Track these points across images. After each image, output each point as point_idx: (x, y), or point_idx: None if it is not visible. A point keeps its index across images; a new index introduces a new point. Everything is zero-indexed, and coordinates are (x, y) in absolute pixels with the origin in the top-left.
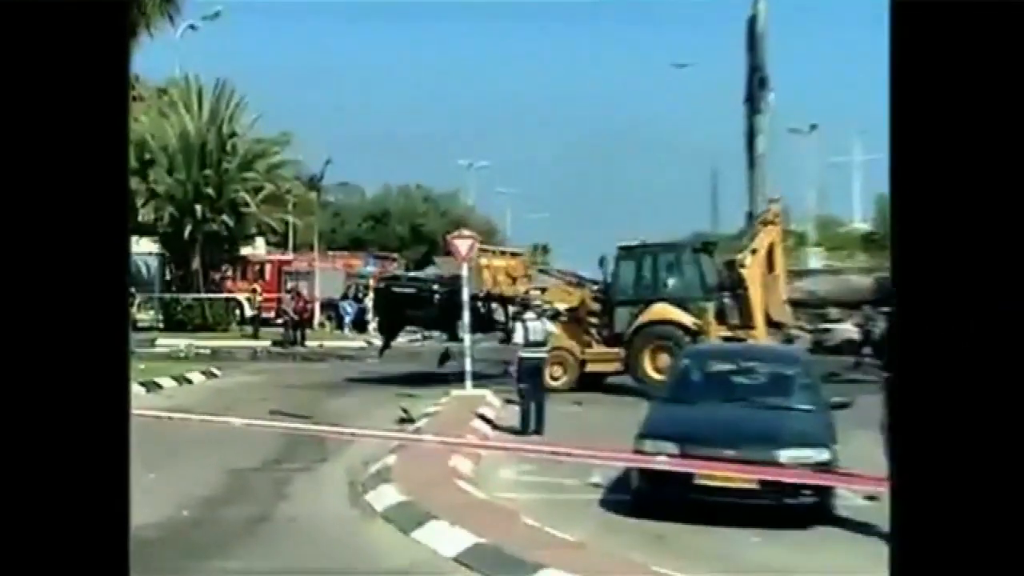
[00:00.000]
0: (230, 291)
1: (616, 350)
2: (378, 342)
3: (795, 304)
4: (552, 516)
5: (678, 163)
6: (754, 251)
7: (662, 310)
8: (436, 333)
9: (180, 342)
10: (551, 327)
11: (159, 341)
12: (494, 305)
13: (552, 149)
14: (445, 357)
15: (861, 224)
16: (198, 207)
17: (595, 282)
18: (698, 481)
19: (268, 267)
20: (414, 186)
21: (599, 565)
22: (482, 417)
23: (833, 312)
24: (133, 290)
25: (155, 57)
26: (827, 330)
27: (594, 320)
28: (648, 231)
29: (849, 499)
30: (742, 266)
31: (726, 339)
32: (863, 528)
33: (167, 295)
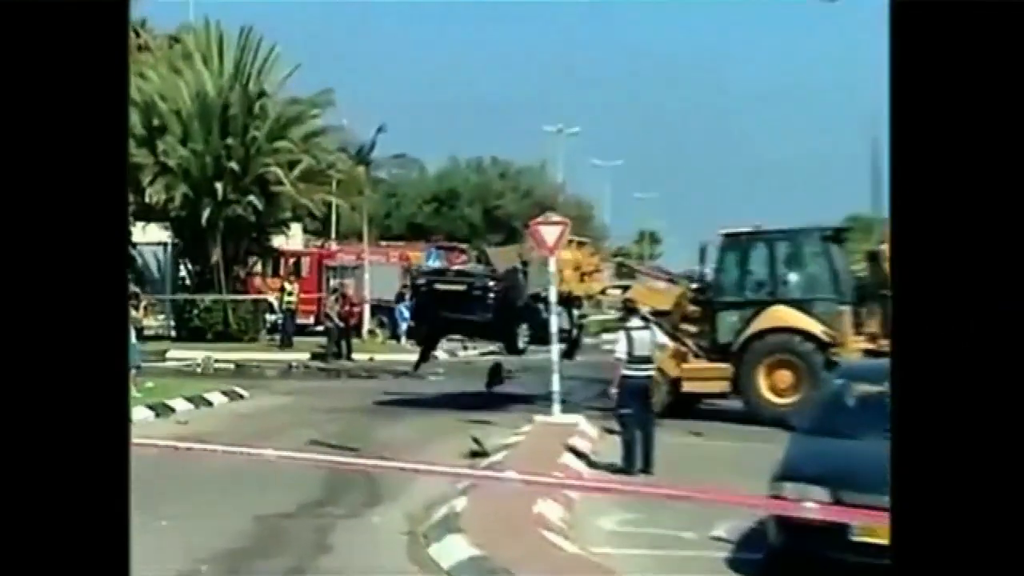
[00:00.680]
0: (259, 291)
1: (720, 365)
2: (443, 355)
3: None
4: None
5: (827, 131)
6: None
7: (781, 315)
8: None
9: (197, 354)
10: (662, 338)
11: (170, 353)
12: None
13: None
14: (496, 374)
15: None
16: (219, 185)
17: (692, 279)
18: (855, 536)
19: (306, 261)
20: (488, 159)
21: None
22: (574, 451)
23: None
24: (137, 290)
25: None
26: None
27: (692, 327)
28: (787, 216)
29: None
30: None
31: (867, 353)
32: None
33: (180, 296)
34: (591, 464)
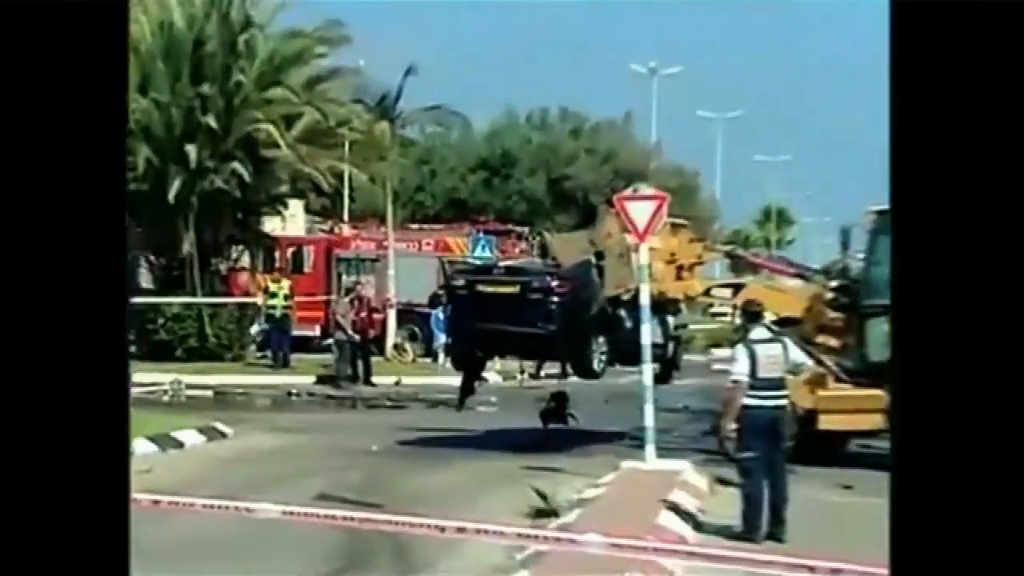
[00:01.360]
0: (246, 292)
1: (871, 392)
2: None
3: None
4: None
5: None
6: None
7: None
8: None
9: (162, 378)
10: (799, 354)
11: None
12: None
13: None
14: (559, 408)
15: None
16: (191, 149)
17: (832, 274)
18: None
19: (310, 251)
20: (555, 112)
21: None
22: (676, 508)
23: None
24: None
25: None
26: None
27: (831, 340)
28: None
29: None
30: None
31: None
32: None
33: (140, 300)
34: (698, 526)
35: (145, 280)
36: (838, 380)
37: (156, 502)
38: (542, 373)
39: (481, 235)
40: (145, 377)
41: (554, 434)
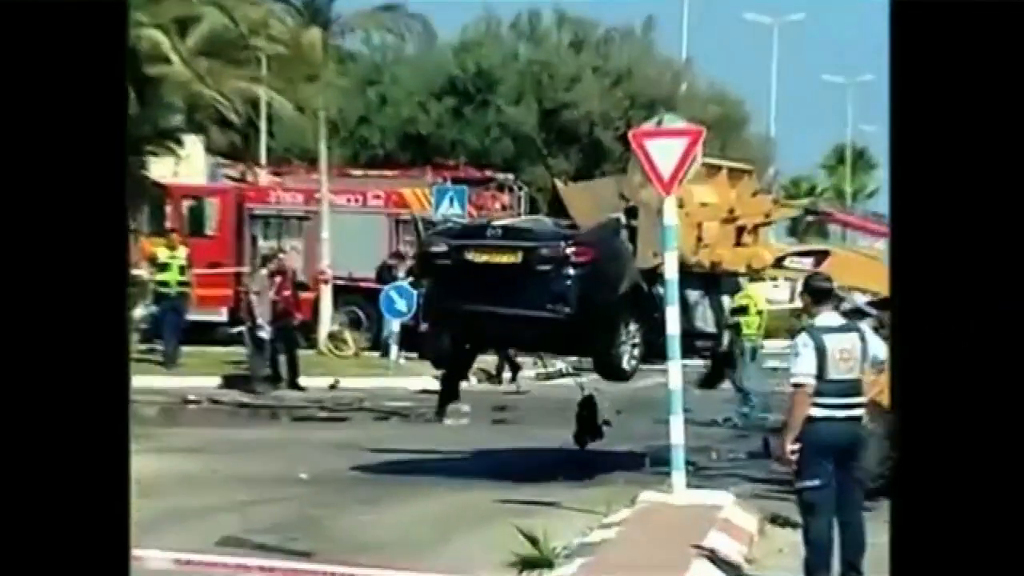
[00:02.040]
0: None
1: None
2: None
3: None
4: None
5: None
6: None
7: None
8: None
9: None
10: (881, 348)
11: None
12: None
13: None
14: (591, 419)
15: None
16: None
17: None
18: None
19: (213, 206)
20: (549, 16)
21: None
22: (713, 557)
23: None
24: None
25: None
26: None
27: None
28: None
29: None
30: None
31: None
32: None
33: None
34: None
35: None
36: None
37: None
38: (512, 375)
39: (448, 185)
40: None
41: (556, 457)
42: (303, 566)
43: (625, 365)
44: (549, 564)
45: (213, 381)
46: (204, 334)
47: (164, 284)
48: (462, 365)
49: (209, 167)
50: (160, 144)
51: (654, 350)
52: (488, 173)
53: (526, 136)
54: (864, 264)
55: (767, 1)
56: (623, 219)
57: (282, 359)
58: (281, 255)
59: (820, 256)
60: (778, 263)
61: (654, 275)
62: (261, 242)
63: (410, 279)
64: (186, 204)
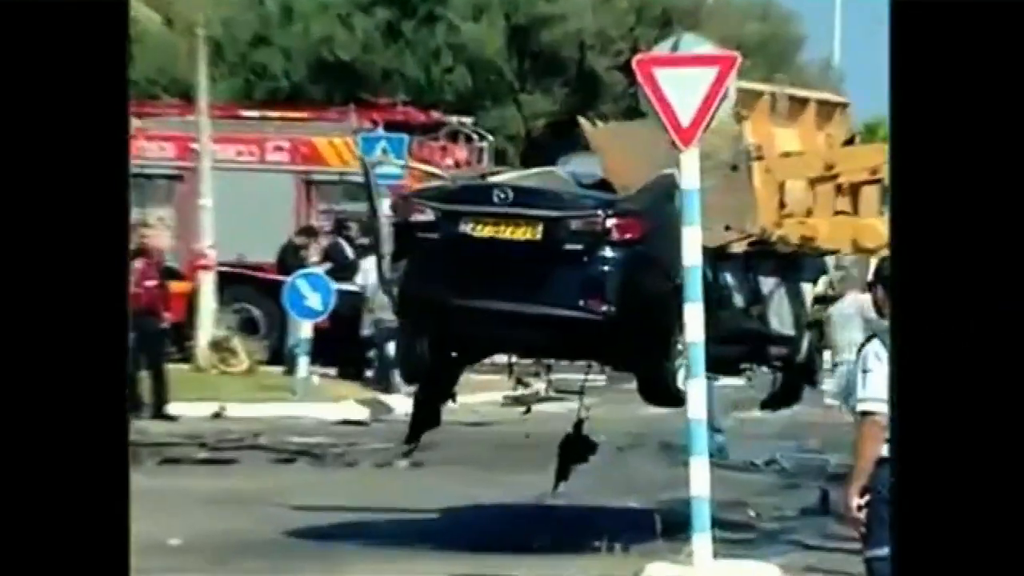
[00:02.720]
0: None
1: None
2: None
3: None
4: None
5: None
6: None
7: None
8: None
9: None
10: None
11: None
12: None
13: None
14: (576, 449)
15: None
16: None
17: None
18: None
19: None
20: None
21: None
22: None
23: None
24: None
25: None
26: None
27: None
28: None
29: None
30: None
31: None
32: None
33: None
34: None
35: None
36: None
37: None
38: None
39: (380, 132)
40: None
41: (521, 514)
42: None
43: (680, 383)
44: None
45: None
46: None
47: None
48: (444, 381)
49: None
50: None
51: (714, 363)
52: (436, 115)
53: (490, 64)
54: None
55: None
56: (678, 177)
57: (143, 376)
58: (143, 231)
59: None
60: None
61: (720, 257)
62: None
63: (327, 265)
64: None
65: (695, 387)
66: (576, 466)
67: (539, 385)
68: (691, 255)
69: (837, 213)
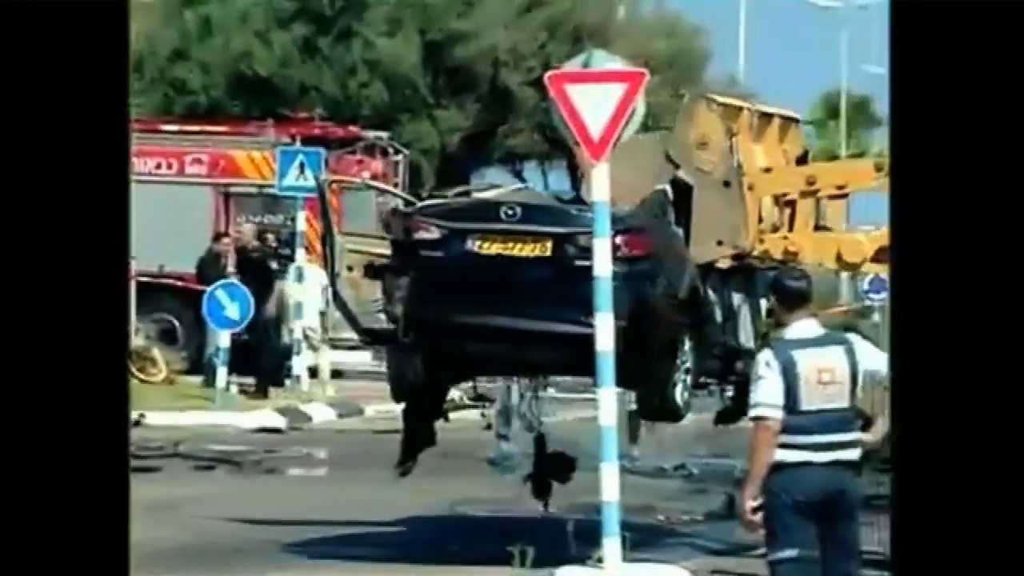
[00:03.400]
0: None
1: None
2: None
3: None
4: None
5: None
6: None
7: None
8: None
9: None
10: (878, 360)
11: None
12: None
13: None
14: (558, 467)
15: None
16: None
17: None
18: None
19: None
20: None
21: None
22: None
23: None
24: None
25: None
26: None
27: None
28: None
29: None
30: None
31: None
32: None
33: None
34: None
35: None
36: None
37: None
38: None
39: (298, 146)
40: None
41: (432, 523)
42: None
43: (679, 399)
44: None
45: None
46: None
47: None
48: (434, 399)
49: None
50: None
51: (705, 375)
52: (353, 130)
53: (405, 79)
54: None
55: None
56: (669, 192)
57: None
58: None
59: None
60: (880, 255)
61: (708, 272)
62: None
63: (239, 275)
64: None
65: (606, 395)
66: (557, 483)
67: (455, 393)
68: (601, 266)
69: (818, 229)
